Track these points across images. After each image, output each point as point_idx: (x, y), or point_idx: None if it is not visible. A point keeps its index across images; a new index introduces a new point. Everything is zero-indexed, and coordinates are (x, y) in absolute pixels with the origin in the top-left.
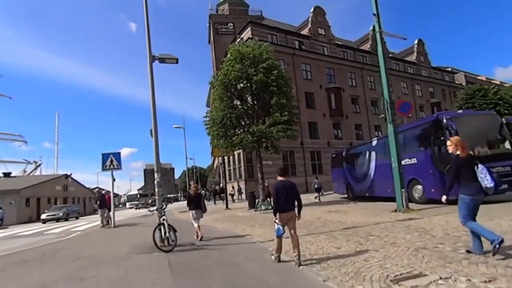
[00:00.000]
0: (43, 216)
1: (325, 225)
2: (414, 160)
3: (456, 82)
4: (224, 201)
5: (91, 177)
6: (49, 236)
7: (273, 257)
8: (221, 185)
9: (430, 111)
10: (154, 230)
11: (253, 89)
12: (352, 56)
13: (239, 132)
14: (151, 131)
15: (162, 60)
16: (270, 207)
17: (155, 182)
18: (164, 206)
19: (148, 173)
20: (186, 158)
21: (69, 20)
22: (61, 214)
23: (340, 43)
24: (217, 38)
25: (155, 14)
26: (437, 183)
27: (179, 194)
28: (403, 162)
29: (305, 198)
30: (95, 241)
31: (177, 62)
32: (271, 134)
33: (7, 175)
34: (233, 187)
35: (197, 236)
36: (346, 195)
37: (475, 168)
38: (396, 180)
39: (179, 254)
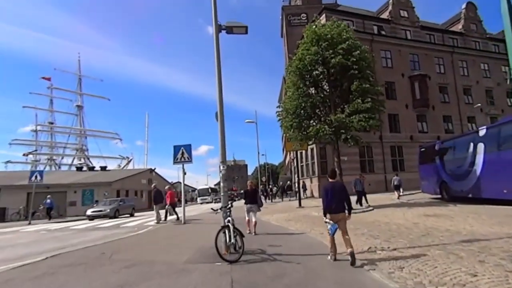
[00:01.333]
0: (88, 212)
1: (430, 235)
2: None
3: None
4: (293, 198)
5: (173, 172)
6: (123, 229)
7: (328, 257)
8: (288, 182)
9: None
10: (217, 235)
11: (330, 74)
12: (440, 39)
13: (314, 123)
14: (216, 114)
15: (229, 30)
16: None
17: (220, 174)
18: (230, 205)
19: None
20: (258, 153)
21: (154, 28)
22: (108, 210)
23: (425, 25)
24: (290, 30)
25: (227, 14)
26: None
27: None
28: None
29: (385, 197)
30: (160, 240)
31: (246, 32)
32: (351, 124)
33: (103, 169)
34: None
35: (249, 231)
36: (438, 196)
37: None
38: None
39: (246, 267)
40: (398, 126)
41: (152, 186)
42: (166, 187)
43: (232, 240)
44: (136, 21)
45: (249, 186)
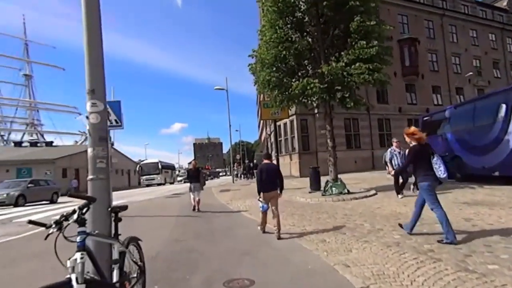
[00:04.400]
0: None
1: None
2: None
3: None
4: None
5: (140, 149)
6: (9, 228)
7: (258, 227)
8: (255, 161)
9: None
10: None
11: (320, 14)
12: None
13: (299, 79)
14: None
15: None
16: (346, 190)
17: (87, 121)
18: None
19: (197, 147)
20: (230, 126)
21: None
22: (4, 195)
23: None
24: None
25: None
26: None
27: (226, 169)
28: None
29: (379, 176)
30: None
31: None
32: (350, 78)
33: (49, 144)
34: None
35: (194, 208)
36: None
37: (431, 158)
38: None
39: None
40: (386, 97)
41: None
42: None
43: None
44: None
45: (192, 166)
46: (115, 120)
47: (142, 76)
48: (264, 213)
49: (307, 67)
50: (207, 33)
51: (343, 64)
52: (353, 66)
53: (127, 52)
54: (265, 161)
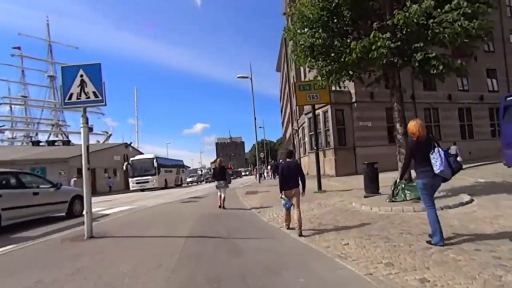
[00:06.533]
0: None
1: None
2: None
3: None
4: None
5: (162, 150)
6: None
7: (284, 226)
8: (281, 160)
9: None
10: None
11: None
12: None
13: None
14: None
15: None
16: None
17: None
18: None
19: (219, 147)
20: (255, 119)
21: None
22: None
23: None
24: None
25: None
26: None
27: (249, 168)
28: None
29: None
30: None
31: None
32: (438, 28)
33: (66, 143)
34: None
35: (220, 206)
36: None
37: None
38: None
39: None
40: (433, 83)
41: None
42: None
43: None
44: None
45: (217, 164)
46: (93, 93)
47: (163, 77)
48: (288, 210)
49: (368, 20)
50: (227, 33)
51: (427, 7)
52: (446, 7)
53: (149, 54)
54: (287, 159)
